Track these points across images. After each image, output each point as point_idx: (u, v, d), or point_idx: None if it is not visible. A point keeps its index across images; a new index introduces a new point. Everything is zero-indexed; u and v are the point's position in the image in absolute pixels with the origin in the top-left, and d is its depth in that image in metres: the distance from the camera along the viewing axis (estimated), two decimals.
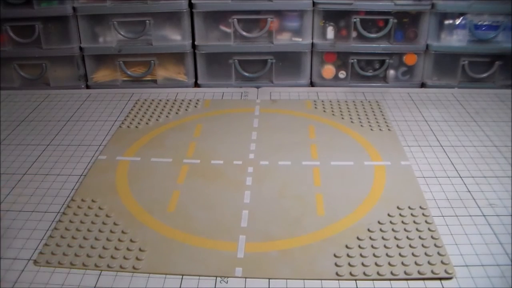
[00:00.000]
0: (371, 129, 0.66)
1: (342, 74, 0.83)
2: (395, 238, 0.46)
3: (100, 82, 0.85)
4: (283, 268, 0.42)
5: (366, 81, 0.83)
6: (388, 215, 0.49)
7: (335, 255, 0.44)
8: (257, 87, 0.81)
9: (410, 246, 0.45)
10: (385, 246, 0.45)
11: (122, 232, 0.47)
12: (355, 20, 0.79)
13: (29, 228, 0.48)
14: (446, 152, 0.60)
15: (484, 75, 0.81)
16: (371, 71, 0.83)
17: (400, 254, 0.44)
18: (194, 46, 0.82)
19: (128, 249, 0.45)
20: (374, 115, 0.70)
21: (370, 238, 0.46)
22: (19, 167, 0.59)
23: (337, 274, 0.42)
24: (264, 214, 0.49)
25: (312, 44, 0.81)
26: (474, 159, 0.59)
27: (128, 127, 0.67)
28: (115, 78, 0.84)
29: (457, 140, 0.63)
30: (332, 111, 0.72)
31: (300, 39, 0.81)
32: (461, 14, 0.78)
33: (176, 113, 0.71)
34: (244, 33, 0.80)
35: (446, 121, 0.68)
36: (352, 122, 0.68)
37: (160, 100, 0.75)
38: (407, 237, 0.46)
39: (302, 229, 0.47)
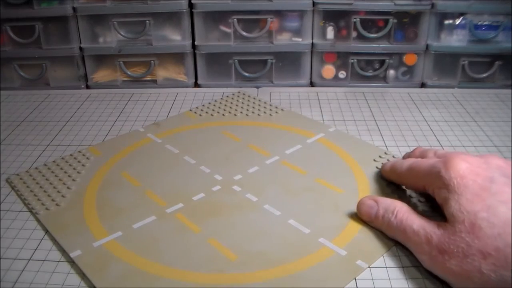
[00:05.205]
0: (270, 115, 0.68)
1: (342, 74, 0.83)
2: None
3: (100, 82, 0.85)
4: (376, 242, 0.44)
5: (366, 81, 0.83)
6: (377, 167, 0.54)
7: None
8: (257, 87, 0.81)
9: None
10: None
11: None
12: (355, 20, 0.79)
13: (29, 228, 0.48)
14: None
15: (484, 75, 0.81)
16: (371, 71, 0.83)
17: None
18: (194, 46, 0.82)
19: None
20: (255, 103, 0.72)
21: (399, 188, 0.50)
22: (19, 167, 0.59)
23: None
24: (307, 215, 0.47)
25: (312, 44, 0.81)
26: None
27: (47, 209, 0.50)
28: (115, 78, 0.84)
29: (457, 140, 0.63)
30: (219, 113, 0.70)
31: (300, 39, 0.81)
32: (461, 14, 0.78)
33: (79, 172, 0.56)
34: (244, 33, 0.81)
35: (446, 121, 0.68)
36: (247, 115, 0.69)
37: (44, 165, 0.58)
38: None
39: (348, 210, 0.48)
